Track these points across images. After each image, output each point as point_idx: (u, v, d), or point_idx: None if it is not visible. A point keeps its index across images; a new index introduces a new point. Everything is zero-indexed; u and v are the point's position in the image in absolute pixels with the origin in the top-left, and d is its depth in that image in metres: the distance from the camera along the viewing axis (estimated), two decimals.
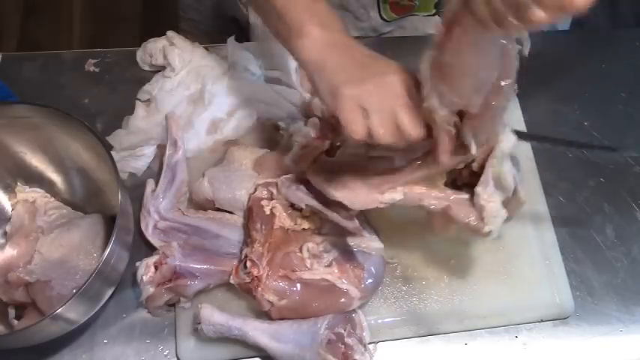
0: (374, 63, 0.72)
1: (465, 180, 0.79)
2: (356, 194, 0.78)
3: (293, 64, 1.00)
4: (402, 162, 0.78)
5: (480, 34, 0.59)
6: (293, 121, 0.91)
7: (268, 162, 0.90)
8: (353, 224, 0.82)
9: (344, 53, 0.72)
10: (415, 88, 0.69)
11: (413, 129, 0.69)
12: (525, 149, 0.97)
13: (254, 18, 1.14)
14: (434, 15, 1.07)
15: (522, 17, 0.53)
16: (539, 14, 0.52)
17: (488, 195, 0.74)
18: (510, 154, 0.75)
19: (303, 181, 0.85)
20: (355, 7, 1.05)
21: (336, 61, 0.71)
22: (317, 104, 0.87)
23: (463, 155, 0.74)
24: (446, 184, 0.79)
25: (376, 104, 0.68)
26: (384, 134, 0.69)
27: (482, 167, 0.76)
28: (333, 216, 0.82)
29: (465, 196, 0.77)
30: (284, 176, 0.86)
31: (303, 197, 0.84)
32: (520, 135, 0.75)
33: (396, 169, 0.78)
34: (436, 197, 0.77)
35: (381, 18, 1.06)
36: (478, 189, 0.74)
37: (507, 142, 0.74)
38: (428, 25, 1.09)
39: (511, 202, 0.76)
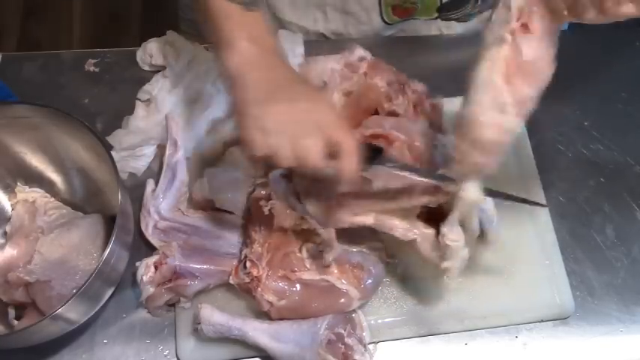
0: (292, 87, 0.71)
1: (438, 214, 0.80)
2: (329, 212, 0.80)
3: (293, 63, 1.00)
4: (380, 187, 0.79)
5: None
6: None
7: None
8: (328, 234, 0.82)
9: (265, 72, 0.71)
10: (325, 116, 0.69)
11: (310, 156, 0.68)
12: (525, 149, 0.97)
13: None
14: (435, 19, 1.07)
15: (609, 9, 0.54)
16: (629, 9, 0.55)
17: (452, 235, 0.76)
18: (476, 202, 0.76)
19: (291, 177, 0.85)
20: (356, 10, 1.05)
21: (253, 78, 0.70)
22: None
23: (433, 197, 0.77)
24: (421, 214, 0.80)
25: (277, 127, 0.68)
26: (280, 158, 0.68)
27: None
28: (312, 221, 0.82)
29: (431, 231, 0.79)
30: (275, 170, 0.85)
31: (287, 195, 0.84)
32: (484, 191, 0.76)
33: (374, 194, 0.79)
34: (404, 229, 0.80)
35: (383, 21, 1.06)
36: (444, 229, 0.76)
37: (470, 193, 0.74)
38: (429, 28, 1.09)
39: (479, 242, 0.79)
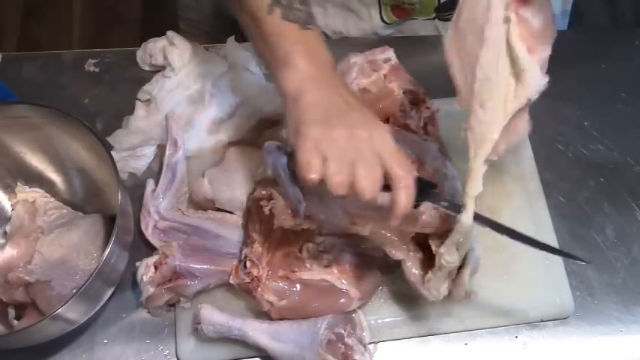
0: (351, 111, 0.70)
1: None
2: (330, 216, 0.80)
3: None
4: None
5: None
6: None
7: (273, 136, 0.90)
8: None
9: (324, 92, 0.70)
10: (384, 147, 0.68)
11: (367, 188, 0.67)
12: (525, 149, 0.97)
13: None
14: (434, 19, 1.07)
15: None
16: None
17: (449, 257, 0.76)
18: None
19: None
20: (357, 7, 1.05)
21: (313, 98, 0.69)
22: None
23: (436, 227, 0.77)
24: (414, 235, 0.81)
25: (337, 153, 0.66)
26: (336, 185, 0.67)
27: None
28: (289, 191, 0.80)
29: (420, 255, 0.80)
30: (270, 141, 0.82)
31: (277, 167, 0.81)
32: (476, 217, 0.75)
33: (377, 208, 0.78)
34: (395, 247, 0.80)
35: (382, 20, 1.06)
36: (442, 249, 0.76)
37: (470, 218, 0.75)
38: (427, 28, 1.09)
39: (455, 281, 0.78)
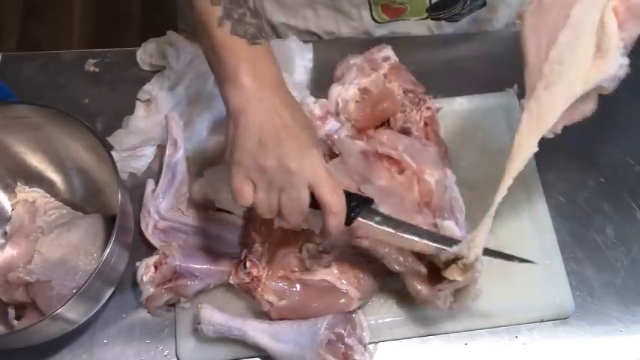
0: (285, 139, 0.70)
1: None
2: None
3: (295, 64, 1.00)
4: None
5: None
6: (303, 98, 0.92)
7: None
8: None
9: (264, 114, 0.70)
10: (314, 176, 0.70)
11: (291, 216, 0.72)
12: None
13: None
14: (426, 19, 1.07)
15: None
16: None
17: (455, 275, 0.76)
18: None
19: None
20: (347, 8, 1.05)
21: (251, 120, 0.70)
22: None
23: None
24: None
25: (265, 183, 0.70)
26: (263, 212, 0.72)
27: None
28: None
29: (421, 269, 0.80)
30: None
31: None
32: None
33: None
34: (396, 261, 0.80)
35: (373, 19, 1.06)
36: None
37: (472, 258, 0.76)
38: (419, 28, 1.09)
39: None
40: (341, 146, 0.86)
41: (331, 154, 0.87)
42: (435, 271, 0.79)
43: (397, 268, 0.80)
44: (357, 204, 0.75)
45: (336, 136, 0.88)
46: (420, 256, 0.81)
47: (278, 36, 1.11)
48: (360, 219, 0.75)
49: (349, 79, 0.93)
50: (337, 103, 0.92)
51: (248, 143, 0.70)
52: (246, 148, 0.70)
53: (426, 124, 0.92)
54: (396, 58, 0.96)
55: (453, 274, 0.76)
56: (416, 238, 0.77)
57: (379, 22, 1.06)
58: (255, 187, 0.71)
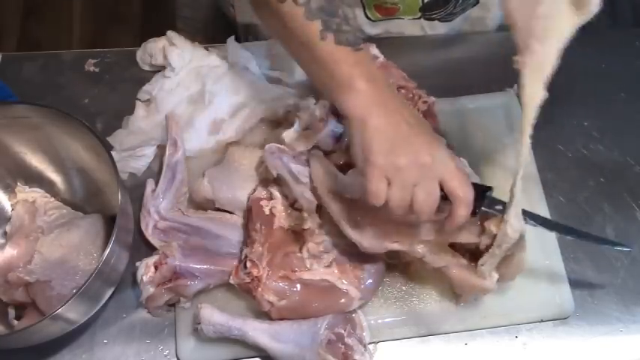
0: (413, 136, 0.73)
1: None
2: (368, 238, 0.81)
3: (295, 64, 1.00)
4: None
5: None
6: (304, 99, 0.92)
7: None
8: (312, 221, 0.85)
9: (386, 116, 0.72)
10: (445, 170, 0.72)
11: (425, 211, 0.73)
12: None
13: (241, 18, 1.15)
14: (419, 18, 1.07)
15: None
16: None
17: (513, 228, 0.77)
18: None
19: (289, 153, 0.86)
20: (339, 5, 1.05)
21: (379, 122, 0.72)
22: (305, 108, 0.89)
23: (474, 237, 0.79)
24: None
25: (401, 180, 0.71)
26: (396, 207, 0.72)
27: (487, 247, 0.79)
28: (297, 192, 0.83)
29: (464, 261, 0.81)
30: (271, 143, 0.86)
31: (280, 166, 0.84)
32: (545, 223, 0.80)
33: (412, 226, 0.80)
34: (437, 258, 0.81)
35: (366, 17, 1.06)
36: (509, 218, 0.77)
37: (512, 232, 0.76)
38: (413, 28, 1.09)
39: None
40: None
41: (345, 163, 0.86)
42: (475, 261, 0.80)
43: (440, 263, 0.81)
44: (482, 195, 0.76)
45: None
46: (457, 248, 0.81)
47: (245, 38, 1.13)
48: (484, 208, 0.77)
49: None
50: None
51: (381, 145, 0.71)
52: (379, 150, 0.71)
53: (424, 117, 0.91)
54: (383, 57, 0.95)
55: (490, 226, 0.77)
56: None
57: (373, 20, 1.06)
58: (390, 185, 0.72)
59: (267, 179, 0.88)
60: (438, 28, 1.09)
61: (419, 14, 1.06)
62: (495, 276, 0.80)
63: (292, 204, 0.87)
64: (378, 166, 0.71)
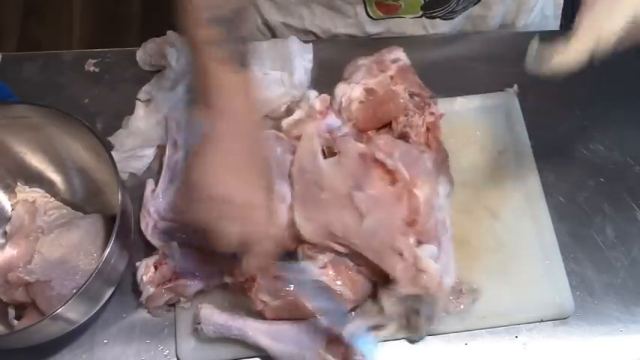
0: (245, 174, 0.73)
1: None
2: (310, 229, 0.82)
3: (295, 64, 1.00)
4: None
5: None
6: (307, 91, 0.93)
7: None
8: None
9: (232, 144, 0.73)
10: (256, 227, 0.74)
11: (224, 243, 0.73)
12: (525, 149, 0.97)
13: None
14: (421, 17, 1.07)
15: None
16: None
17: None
18: None
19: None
20: (341, 5, 1.05)
21: (220, 148, 0.72)
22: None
23: None
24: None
25: (212, 205, 0.72)
26: (199, 222, 0.73)
27: None
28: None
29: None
30: (270, 130, 0.88)
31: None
32: None
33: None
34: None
35: (368, 15, 1.06)
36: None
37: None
38: (415, 27, 1.09)
39: None
40: (341, 145, 0.86)
41: (330, 152, 0.87)
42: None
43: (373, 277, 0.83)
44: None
45: (339, 134, 0.88)
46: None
47: (275, 36, 1.12)
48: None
49: (356, 79, 0.93)
50: (341, 102, 0.91)
51: (204, 168, 0.72)
52: (207, 168, 0.72)
53: (427, 129, 0.91)
54: (407, 61, 0.95)
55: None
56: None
57: (374, 19, 1.06)
58: (199, 202, 0.73)
59: None
60: (439, 27, 1.09)
61: (420, 13, 1.06)
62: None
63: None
64: (199, 183, 0.71)
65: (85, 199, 0.94)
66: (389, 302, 0.81)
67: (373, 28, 1.08)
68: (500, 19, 1.12)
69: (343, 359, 0.79)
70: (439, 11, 1.06)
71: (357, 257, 0.82)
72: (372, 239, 0.81)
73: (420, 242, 0.82)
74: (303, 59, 1.01)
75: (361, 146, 0.86)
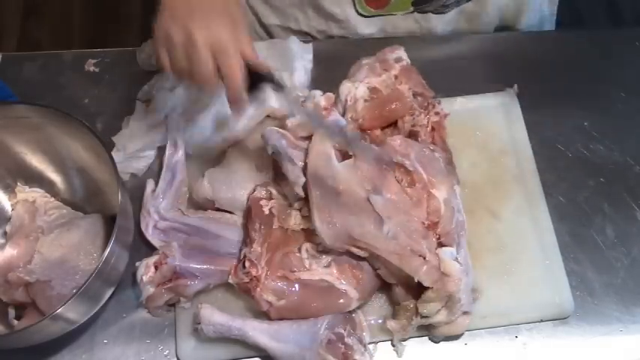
0: (210, 11, 0.78)
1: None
2: (331, 235, 0.82)
3: (295, 65, 1.00)
4: None
5: None
6: (311, 91, 0.93)
7: None
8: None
9: None
10: (222, 43, 0.77)
11: (202, 72, 0.77)
12: (525, 149, 0.97)
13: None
14: (412, 12, 1.07)
15: None
16: None
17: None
18: None
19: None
20: (331, 8, 1.05)
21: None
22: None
23: None
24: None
25: (178, 43, 0.77)
26: (175, 67, 0.79)
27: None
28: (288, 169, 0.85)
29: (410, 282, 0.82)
30: (272, 127, 0.88)
31: (276, 147, 0.86)
32: None
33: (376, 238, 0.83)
34: (387, 274, 0.83)
35: (358, 13, 1.06)
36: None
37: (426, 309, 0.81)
38: (407, 23, 1.09)
39: None
40: (357, 149, 0.85)
41: (343, 155, 0.86)
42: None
43: (390, 280, 0.83)
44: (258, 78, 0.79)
45: (349, 134, 0.88)
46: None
47: (272, 38, 1.12)
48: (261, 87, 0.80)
49: (360, 78, 0.93)
50: (346, 101, 0.92)
51: (173, 12, 0.79)
52: (170, 16, 0.78)
53: (432, 128, 0.91)
54: (408, 60, 0.95)
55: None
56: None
57: (365, 16, 1.06)
58: (168, 50, 0.79)
59: (267, 181, 0.89)
60: (432, 21, 1.09)
61: (411, 8, 1.06)
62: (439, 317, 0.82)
63: (291, 204, 0.87)
64: (164, 30, 0.78)
65: (85, 199, 0.94)
66: (430, 307, 0.81)
67: (366, 29, 1.09)
68: (498, 19, 1.12)
69: (343, 359, 0.79)
70: (430, 5, 1.06)
71: (377, 260, 0.82)
72: (393, 243, 0.80)
73: (440, 244, 0.82)
74: (303, 59, 1.02)
75: (377, 149, 0.86)
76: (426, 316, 0.81)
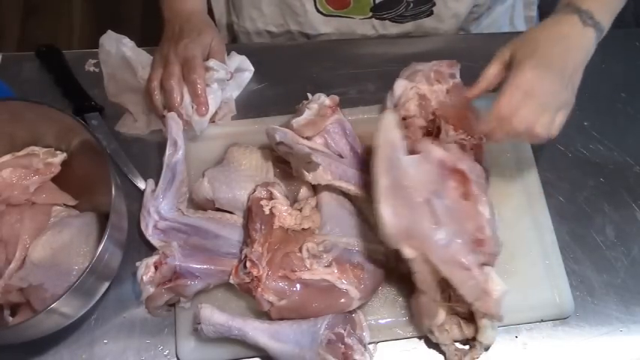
0: (187, 33, 0.96)
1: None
2: (393, 224, 0.80)
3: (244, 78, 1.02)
4: None
5: None
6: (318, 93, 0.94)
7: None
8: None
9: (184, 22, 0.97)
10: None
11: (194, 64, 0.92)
12: (525, 149, 0.97)
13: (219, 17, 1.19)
14: (370, 18, 1.08)
15: None
16: None
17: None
18: None
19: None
20: (291, 1, 1.06)
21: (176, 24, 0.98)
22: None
23: None
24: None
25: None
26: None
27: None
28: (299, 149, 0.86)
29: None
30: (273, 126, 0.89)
31: (281, 133, 0.87)
32: None
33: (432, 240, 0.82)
34: (424, 282, 0.81)
35: (318, 11, 1.07)
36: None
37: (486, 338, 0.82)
38: (364, 27, 1.10)
39: None
40: (423, 147, 0.84)
41: (411, 150, 0.85)
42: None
43: (421, 287, 0.81)
44: None
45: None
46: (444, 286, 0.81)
47: (234, 38, 1.16)
48: None
49: (414, 80, 0.93)
50: (399, 97, 0.92)
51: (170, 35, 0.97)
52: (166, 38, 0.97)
53: (471, 148, 0.90)
54: (459, 79, 0.95)
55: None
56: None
57: (324, 14, 1.07)
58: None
59: (267, 182, 0.89)
60: (389, 28, 1.10)
61: (370, 14, 1.07)
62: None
63: (292, 204, 0.87)
64: (161, 49, 0.97)
65: (79, 197, 0.93)
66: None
67: (323, 27, 1.10)
68: (455, 29, 1.12)
69: (343, 359, 0.79)
70: (389, 13, 1.07)
71: (420, 264, 0.80)
72: (444, 250, 0.79)
73: (484, 263, 0.81)
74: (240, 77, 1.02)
75: (441, 152, 0.85)
76: (487, 345, 0.82)
